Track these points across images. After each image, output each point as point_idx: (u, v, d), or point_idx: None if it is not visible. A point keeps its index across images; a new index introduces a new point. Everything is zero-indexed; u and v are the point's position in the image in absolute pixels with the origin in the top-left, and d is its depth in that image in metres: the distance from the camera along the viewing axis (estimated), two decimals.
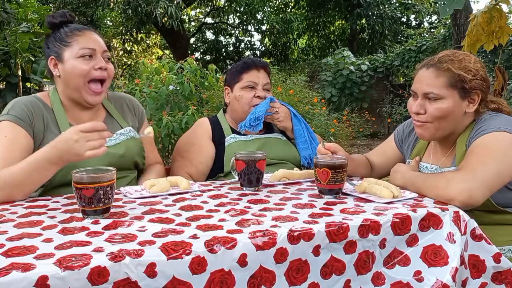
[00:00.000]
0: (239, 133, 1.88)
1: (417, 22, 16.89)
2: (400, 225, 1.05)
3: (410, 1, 15.31)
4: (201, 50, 18.29)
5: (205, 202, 1.22)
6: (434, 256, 1.05)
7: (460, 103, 1.36)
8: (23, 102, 1.43)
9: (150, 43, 18.70)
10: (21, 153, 1.34)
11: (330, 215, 1.07)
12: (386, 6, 14.46)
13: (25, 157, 1.33)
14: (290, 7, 17.02)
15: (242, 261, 0.88)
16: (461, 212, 1.12)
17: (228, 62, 17.35)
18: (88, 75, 1.45)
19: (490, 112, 1.43)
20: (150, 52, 19.15)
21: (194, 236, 0.90)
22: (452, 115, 1.36)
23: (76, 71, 1.43)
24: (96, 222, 1.02)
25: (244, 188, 1.40)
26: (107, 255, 0.79)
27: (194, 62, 3.66)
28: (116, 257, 0.79)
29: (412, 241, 1.07)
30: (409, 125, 1.68)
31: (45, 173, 1.25)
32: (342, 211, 1.11)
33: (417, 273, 1.04)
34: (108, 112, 1.62)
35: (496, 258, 1.11)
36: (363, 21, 14.64)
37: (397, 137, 1.72)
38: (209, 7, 16.50)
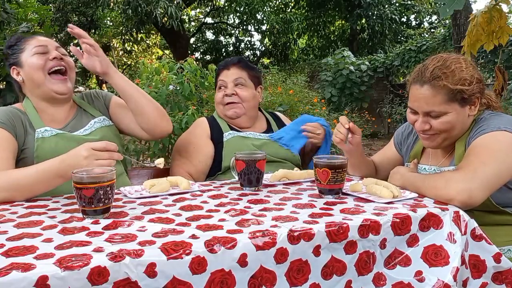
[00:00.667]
0: (236, 130, 1.90)
1: (417, 22, 16.88)
2: (400, 225, 1.05)
3: (410, 2, 15.30)
4: (201, 50, 18.29)
5: (205, 202, 1.22)
6: (435, 256, 1.05)
7: (462, 111, 1.35)
8: (3, 109, 1.51)
9: (150, 43, 18.70)
10: (10, 153, 1.40)
11: (330, 215, 1.07)
12: (386, 6, 14.45)
13: (13, 157, 1.41)
14: (290, 7, 17.01)
15: (242, 261, 0.88)
16: (461, 212, 1.12)
17: None
18: (46, 67, 1.52)
19: (489, 111, 1.43)
20: (150, 52, 19.15)
21: (194, 236, 0.90)
22: (458, 123, 1.36)
23: (34, 66, 1.52)
24: (96, 222, 1.02)
25: (244, 188, 1.40)
26: (107, 255, 0.79)
27: (194, 62, 3.66)
28: (116, 257, 0.79)
29: (412, 241, 1.07)
30: (407, 127, 1.68)
31: (50, 184, 1.27)
32: (342, 211, 1.11)
33: (418, 273, 1.04)
34: (80, 106, 1.68)
35: (497, 258, 1.11)
36: (363, 21, 14.64)
37: (396, 140, 1.73)
38: (209, 7, 16.50)
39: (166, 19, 11.15)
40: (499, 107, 1.48)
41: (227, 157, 1.78)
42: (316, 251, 0.96)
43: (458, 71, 1.33)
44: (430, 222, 1.09)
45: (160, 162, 1.37)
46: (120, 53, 18.73)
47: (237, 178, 1.44)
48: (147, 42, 18.37)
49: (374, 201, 1.19)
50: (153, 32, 16.55)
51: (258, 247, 0.89)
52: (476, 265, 1.11)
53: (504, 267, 1.12)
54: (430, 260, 1.05)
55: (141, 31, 14.16)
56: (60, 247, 0.84)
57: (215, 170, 1.84)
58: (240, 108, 1.90)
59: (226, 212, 1.11)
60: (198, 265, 0.84)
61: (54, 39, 1.63)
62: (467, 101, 1.34)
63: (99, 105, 1.72)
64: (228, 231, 0.94)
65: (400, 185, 1.35)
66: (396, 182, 1.37)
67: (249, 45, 18.24)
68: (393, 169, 1.47)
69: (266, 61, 17.29)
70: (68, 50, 1.75)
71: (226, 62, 1.99)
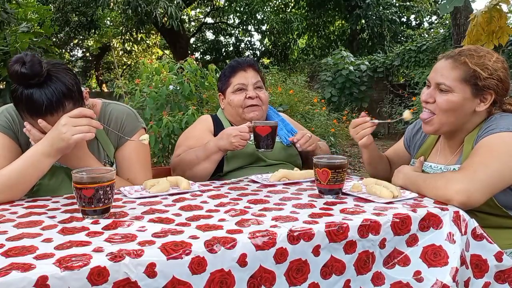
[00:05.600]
0: None
1: (417, 23, 16.88)
2: (400, 225, 1.05)
3: (409, 2, 15.31)
4: (201, 50, 18.28)
5: (205, 202, 1.22)
6: (434, 256, 1.05)
7: (470, 99, 1.34)
8: (8, 111, 1.40)
9: (150, 43, 18.70)
10: (10, 160, 1.31)
11: (330, 215, 1.07)
12: (386, 7, 14.45)
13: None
14: (290, 7, 17.00)
15: (242, 261, 0.88)
16: (461, 212, 1.12)
17: (228, 62, 17.33)
18: None
19: (501, 112, 1.41)
20: (150, 52, 19.16)
21: (194, 236, 0.90)
22: (460, 110, 1.34)
23: None
24: (96, 222, 1.02)
25: (263, 150, 1.62)
26: (107, 255, 0.79)
27: (194, 62, 3.66)
28: (116, 257, 0.79)
29: (412, 241, 1.07)
30: (416, 124, 1.68)
31: (40, 167, 1.25)
32: (342, 211, 1.11)
33: (417, 273, 1.04)
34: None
35: (498, 256, 1.11)
36: (363, 21, 14.64)
37: (405, 137, 1.73)
38: (209, 7, 16.51)
39: (166, 19, 11.15)
40: None
41: (229, 162, 1.78)
42: (316, 251, 0.96)
43: (485, 59, 1.33)
44: (430, 222, 1.09)
45: (145, 138, 1.39)
46: (120, 53, 18.73)
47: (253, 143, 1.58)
48: (147, 42, 18.37)
49: (374, 201, 1.19)
50: (153, 32, 16.55)
51: (258, 247, 0.89)
52: (478, 265, 1.11)
53: (506, 266, 1.12)
54: (429, 260, 1.05)
55: (141, 31, 14.16)
56: (60, 247, 0.84)
57: (215, 171, 1.83)
58: (260, 111, 1.88)
59: (226, 212, 1.11)
60: (197, 265, 0.84)
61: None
62: (479, 91, 1.33)
63: (115, 136, 1.51)
64: (228, 231, 0.94)
65: (402, 184, 1.35)
66: (399, 181, 1.37)
67: (249, 45, 18.23)
68: (397, 168, 1.46)
69: (266, 61, 17.28)
70: None
71: (239, 63, 1.91)
